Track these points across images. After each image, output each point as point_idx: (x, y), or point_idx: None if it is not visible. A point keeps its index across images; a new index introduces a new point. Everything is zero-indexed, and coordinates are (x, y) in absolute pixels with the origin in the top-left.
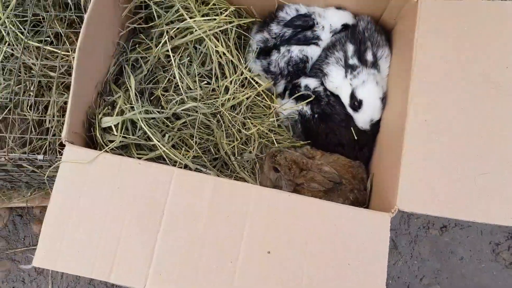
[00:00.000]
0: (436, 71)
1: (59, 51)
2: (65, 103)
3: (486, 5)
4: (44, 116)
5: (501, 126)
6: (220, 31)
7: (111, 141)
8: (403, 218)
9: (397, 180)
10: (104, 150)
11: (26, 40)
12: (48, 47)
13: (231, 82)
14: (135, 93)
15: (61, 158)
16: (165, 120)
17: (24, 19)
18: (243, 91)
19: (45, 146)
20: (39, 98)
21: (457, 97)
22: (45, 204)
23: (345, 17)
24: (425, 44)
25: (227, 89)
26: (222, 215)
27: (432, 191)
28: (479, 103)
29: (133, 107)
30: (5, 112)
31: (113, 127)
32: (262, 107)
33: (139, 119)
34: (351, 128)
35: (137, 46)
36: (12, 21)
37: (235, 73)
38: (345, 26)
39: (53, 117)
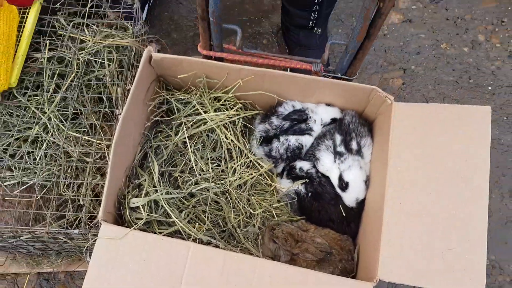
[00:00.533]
0: (408, 161)
1: (94, 140)
2: (97, 184)
3: (448, 108)
4: (78, 195)
5: (462, 208)
6: (229, 122)
7: (138, 219)
8: (391, 284)
9: (378, 254)
10: (133, 228)
11: (67, 131)
12: (85, 137)
13: (238, 164)
14: (158, 176)
15: (92, 231)
16: (181, 198)
17: (65, 112)
18: (248, 172)
19: (78, 221)
20: (74, 180)
21: (426, 183)
22: (70, 270)
23: (333, 113)
24: (398, 138)
25: (234, 170)
26: (231, 284)
27: (408, 263)
28: (444, 189)
29: (156, 190)
30: (44, 191)
31: (140, 206)
32: (264, 185)
33: (162, 200)
34: (340, 206)
35: (159, 134)
36: (56, 114)
37: (242, 157)
38: (333, 120)
39: (85, 196)
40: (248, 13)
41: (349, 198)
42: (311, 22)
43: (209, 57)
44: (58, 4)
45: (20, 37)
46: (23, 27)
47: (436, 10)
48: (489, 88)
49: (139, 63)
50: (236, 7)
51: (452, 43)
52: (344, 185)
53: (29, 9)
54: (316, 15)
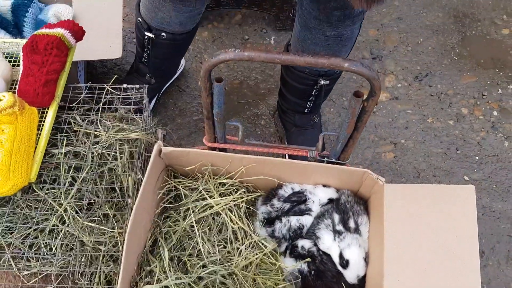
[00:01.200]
0: (403, 239)
1: (107, 229)
2: (110, 271)
3: (436, 188)
4: (92, 283)
5: (456, 283)
6: (233, 205)
7: None
8: None
9: None
10: None
11: (82, 221)
12: (99, 226)
13: (243, 245)
14: (168, 262)
15: None
16: (190, 282)
17: (80, 202)
18: (253, 252)
19: None
20: (88, 269)
21: (420, 260)
22: None
23: (330, 193)
24: (392, 216)
25: (239, 251)
26: None
27: None
28: (438, 265)
29: (167, 276)
30: (59, 280)
31: None
32: (269, 264)
33: (172, 286)
34: (342, 283)
35: (167, 219)
36: (71, 206)
37: (246, 238)
38: (330, 200)
39: (99, 284)
40: (246, 97)
41: (351, 275)
42: (306, 109)
43: (214, 148)
44: (75, 103)
45: (39, 135)
46: (42, 126)
47: (420, 87)
48: (477, 158)
49: (148, 152)
50: (235, 91)
51: (438, 117)
52: (345, 263)
53: (47, 109)
54: (311, 104)
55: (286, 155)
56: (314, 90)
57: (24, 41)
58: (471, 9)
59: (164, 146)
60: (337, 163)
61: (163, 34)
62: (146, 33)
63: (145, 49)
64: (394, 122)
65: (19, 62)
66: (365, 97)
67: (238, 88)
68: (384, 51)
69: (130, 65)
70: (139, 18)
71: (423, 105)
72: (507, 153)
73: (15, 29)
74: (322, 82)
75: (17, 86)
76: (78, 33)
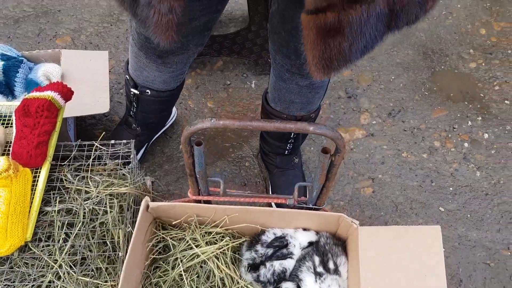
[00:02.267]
0: (377, 278)
1: (101, 282)
2: None
3: (405, 229)
4: None
5: None
6: (220, 252)
7: None
8: None
9: None
10: None
11: (76, 277)
12: (93, 280)
13: None
14: None
15: None
16: None
17: (74, 258)
18: None
19: None
20: None
21: None
22: None
23: (310, 236)
24: (367, 257)
25: None
26: None
27: None
28: None
29: None
30: None
31: None
32: None
33: None
34: None
35: (157, 270)
36: (66, 261)
37: (233, 283)
38: (310, 243)
39: None
40: (231, 140)
41: None
42: (286, 151)
43: (199, 200)
44: (66, 160)
45: (33, 194)
46: (36, 185)
47: (394, 123)
48: (451, 189)
49: (137, 204)
50: (219, 135)
51: (412, 151)
52: None
53: (40, 169)
54: (291, 146)
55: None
56: (293, 133)
57: (17, 103)
58: (439, 45)
59: (151, 201)
60: (314, 209)
61: (147, 91)
62: (132, 90)
63: (133, 104)
64: (371, 158)
65: (12, 123)
66: (332, 152)
67: (222, 131)
68: (358, 90)
69: (118, 115)
70: (126, 76)
71: (398, 140)
72: (479, 182)
73: (7, 89)
74: None
75: (11, 148)
76: (67, 94)
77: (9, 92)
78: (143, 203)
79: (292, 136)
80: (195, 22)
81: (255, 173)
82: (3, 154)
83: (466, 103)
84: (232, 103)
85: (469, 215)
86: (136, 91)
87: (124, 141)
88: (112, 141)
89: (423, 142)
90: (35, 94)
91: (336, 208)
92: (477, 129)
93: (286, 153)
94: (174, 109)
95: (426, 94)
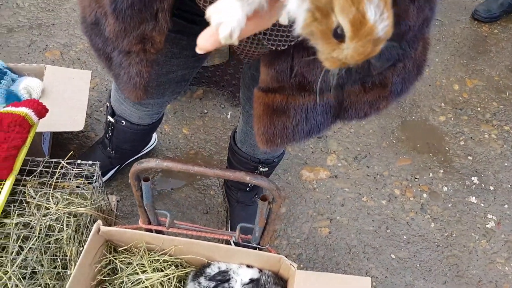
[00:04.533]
0: None
1: None
2: None
3: (338, 277)
4: None
5: None
6: (165, 279)
7: None
8: None
9: None
10: None
11: None
12: None
13: None
14: None
15: None
16: None
17: (25, 271)
18: None
19: None
20: None
21: None
22: None
23: (252, 273)
24: None
25: None
26: None
27: None
28: None
29: None
30: None
31: None
32: None
33: None
34: None
35: None
36: (16, 274)
37: None
38: (251, 280)
39: None
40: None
41: None
42: (248, 188)
43: (149, 229)
44: (31, 176)
45: None
46: None
47: (358, 167)
48: (404, 237)
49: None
50: (190, 161)
51: (372, 196)
52: None
53: (4, 181)
54: (252, 184)
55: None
56: (256, 172)
57: None
58: (413, 96)
59: (113, 220)
60: (258, 248)
61: (123, 121)
62: (109, 117)
63: (109, 129)
64: (332, 199)
65: None
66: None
67: (193, 158)
68: (329, 132)
69: (95, 132)
70: (107, 103)
71: (360, 184)
72: (432, 233)
73: None
74: (261, 169)
75: None
76: (41, 111)
77: None
78: (95, 226)
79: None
80: (172, 74)
81: (218, 202)
82: None
83: (431, 154)
84: (206, 131)
85: (418, 265)
86: (112, 120)
87: (90, 162)
88: (78, 161)
89: (384, 188)
90: (10, 109)
91: (291, 244)
92: (438, 181)
93: (247, 189)
94: (154, 135)
95: (393, 142)
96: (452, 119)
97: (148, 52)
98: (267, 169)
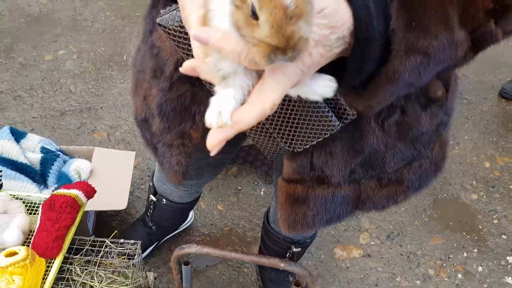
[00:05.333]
0: None
1: None
2: None
3: None
4: None
5: None
6: None
7: None
8: None
9: None
10: None
11: None
12: None
13: None
14: None
15: None
16: None
17: None
18: None
19: None
20: None
21: None
22: None
23: None
24: None
25: None
26: None
27: None
28: None
29: None
30: None
31: None
32: None
33: None
34: None
35: None
36: None
37: None
38: None
39: None
40: (234, 244)
41: None
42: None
43: None
44: (78, 254)
45: (44, 283)
46: (47, 275)
47: (391, 246)
48: None
49: None
50: (224, 238)
51: (406, 276)
52: None
53: (54, 260)
54: (289, 255)
55: None
56: (288, 253)
57: (45, 196)
58: (444, 174)
59: None
60: None
61: (163, 200)
62: (151, 196)
63: (150, 207)
64: (366, 278)
65: (37, 211)
66: (305, 283)
67: (227, 234)
68: None
69: (136, 209)
70: (150, 182)
71: (393, 264)
72: None
73: (41, 178)
74: (294, 249)
75: (32, 238)
76: (90, 193)
77: (43, 182)
78: None
79: (287, 256)
80: (210, 159)
81: (251, 281)
82: (24, 243)
83: (464, 233)
84: (240, 208)
85: None
86: (154, 198)
87: (132, 241)
88: (121, 240)
89: (418, 268)
90: (62, 191)
91: None
92: (472, 261)
93: (280, 269)
94: (191, 213)
95: (426, 220)
96: (484, 197)
97: (186, 146)
98: (300, 249)
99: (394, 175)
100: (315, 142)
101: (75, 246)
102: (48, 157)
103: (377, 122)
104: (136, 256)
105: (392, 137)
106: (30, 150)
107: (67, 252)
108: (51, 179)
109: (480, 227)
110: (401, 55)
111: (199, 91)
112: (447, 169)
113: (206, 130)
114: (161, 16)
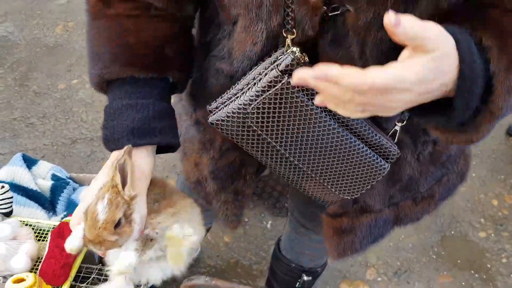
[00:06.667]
0: None
1: None
2: None
3: None
4: None
5: None
6: None
7: None
8: None
9: None
10: None
11: None
12: None
13: None
14: None
15: None
16: None
17: None
18: None
19: None
20: None
21: None
22: None
23: None
24: None
25: None
26: None
27: None
28: None
29: None
30: None
31: None
32: None
33: None
34: None
35: None
36: None
37: None
38: None
39: None
40: (240, 276)
41: None
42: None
43: None
44: (85, 283)
45: None
46: None
47: (398, 283)
48: None
49: None
50: (230, 270)
51: None
52: None
53: (61, 287)
54: (299, 285)
55: None
56: (298, 283)
57: (54, 223)
58: (452, 211)
59: None
60: None
61: None
62: None
63: None
64: None
65: (46, 238)
66: None
67: (233, 266)
68: None
69: None
70: None
71: None
72: None
73: (50, 205)
74: (305, 278)
75: (40, 265)
76: None
77: (52, 209)
78: None
79: (296, 286)
80: None
81: None
82: (32, 269)
83: (473, 272)
84: (247, 240)
85: None
86: None
87: None
88: None
89: None
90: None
91: None
92: None
93: None
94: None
95: (433, 257)
96: (493, 235)
97: (240, 201)
98: (310, 278)
99: (426, 193)
100: (369, 185)
101: (81, 274)
102: (58, 184)
103: (413, 156)
104: (142, 286)
105: (426, 165)
106: (41, 177)
107: (73, 280)
108: (60, 206)
109: (489, 265)
110: (504, 95)
111: (247, 157)
112: (455, 206)
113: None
114: (211, 115)
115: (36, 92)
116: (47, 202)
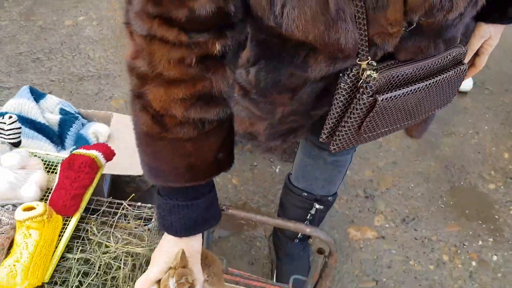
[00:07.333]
0: None
1: None
2: None
3: None
4: None
5: None
6: None
7: None
8: None
9: None
10: None
11: None
12: None
13: None
14: None
15: None
16: None
17: None
18: None
19: None
20: None
21: None
22: None
23: None
24: None
25: None
26: None
27: None
28: None
29: None
30: None
31: None
32: None
33: None
34: None
35: None
36: None
37: None
38: None
39: None
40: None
41: None
42: (297, 239)
43: None
44: (95, 214)
45: (60, 240)
46: (63, 232)
47: (406, 230)
48: None
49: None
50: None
51: (420, 260)
52: None
53: (71, 218)
54: (302, 235)
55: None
56: (309, 215)
57: (64, 156)
58: (462, 162)
59: None
60: None
61: None
62: None
63: None
64: (379, 260)
65: (56, 170)
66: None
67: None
68: (376, 192)
69: None
70: None
71: (407, 247)
72: None
73: (59, 139)
74: (317, 206)
75: (50, 195)
76: (109, 155)
77: (60, 143)
78: None
79: (308, 218)
80: None
81: (264, 255)
82: (42, 199)
83: (480, 222)
84: (255, 183)
85: None
86: None
87: (149, 205)
88: (139, 203)
89: (432, 253)
90: (81, 151)
91: None
92: (487, 250)
93: (296, 240)
94: None
95: (442, 207)
96: (502, 187)
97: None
98: (322, 207)
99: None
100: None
101: (92, 207)
102: (67, 118)
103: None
104: (152, 221)
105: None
106: (49, 111)
107: (84, 212)
108: (69, 141)
109: (497, 217)
110: None
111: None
112: (465, 157)
113: None
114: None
115: (42, 27)
116: (55, 136)
